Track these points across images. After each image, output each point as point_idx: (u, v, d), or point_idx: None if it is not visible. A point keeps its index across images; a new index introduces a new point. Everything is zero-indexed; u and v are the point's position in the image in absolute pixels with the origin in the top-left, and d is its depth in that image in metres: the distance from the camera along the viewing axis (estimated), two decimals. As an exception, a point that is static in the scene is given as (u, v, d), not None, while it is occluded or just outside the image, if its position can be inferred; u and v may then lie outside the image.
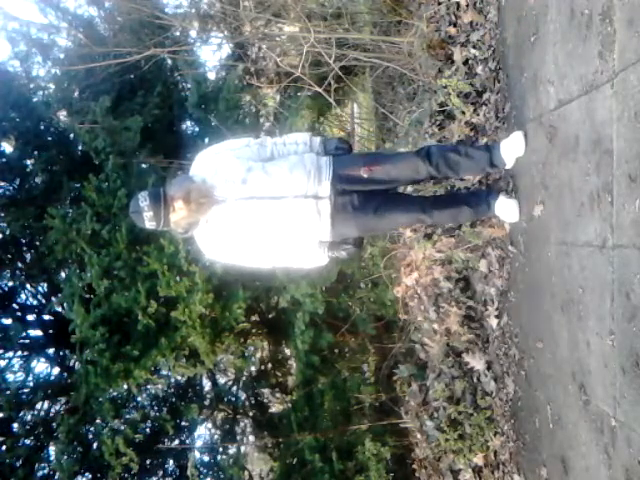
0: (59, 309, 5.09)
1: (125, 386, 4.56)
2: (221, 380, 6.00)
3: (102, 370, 4.28)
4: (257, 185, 2.56)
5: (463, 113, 3.40)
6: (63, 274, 5.10)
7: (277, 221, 2.59)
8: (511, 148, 2.70)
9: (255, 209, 2.57)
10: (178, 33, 5.80)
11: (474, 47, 3.42)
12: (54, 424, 4.76)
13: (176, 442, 5.18)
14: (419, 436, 3.88)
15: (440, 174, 2.74)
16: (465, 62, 3.50)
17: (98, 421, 4.66)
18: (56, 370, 5.31)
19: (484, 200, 2.83)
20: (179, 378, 5.41)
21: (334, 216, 2.62)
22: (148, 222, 2.54)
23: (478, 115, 3.35)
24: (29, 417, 4.92)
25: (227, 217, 2.58)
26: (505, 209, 2.81)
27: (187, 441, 5.28)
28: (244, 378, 5.69)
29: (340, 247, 2.74)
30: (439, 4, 3.79)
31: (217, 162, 2.64)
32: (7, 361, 5.16)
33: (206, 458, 5.35)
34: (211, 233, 2.63)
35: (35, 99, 5.33)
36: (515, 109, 2.95)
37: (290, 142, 2.74)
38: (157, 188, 2.62)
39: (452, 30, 3.66)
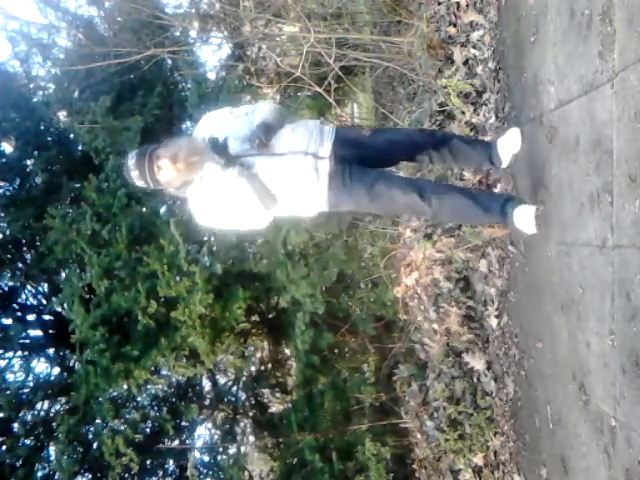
0: (59, 309, 5.09)
1: (125, 386, 4.57)
2: (221, 380, 6.01)
3: (102, 370, 4.28)
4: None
5: (463, 113, 3.40)
6: (63, 274, 5.10)
7: (275, 179, 2.54)
8: (507, 145, 2.67)
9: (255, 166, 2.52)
10: (178, 33, 5.80)
11: (474, 47, 3.42)
12: (54, 424, 4.77)
13: (176, 442, 5.19)
14: (419, 436, 3.88)
15: (439, 157, 2.69)
16: (465, 62, 3.50)
17: (98, 421, 4.67)
18: (56, 370, 5.32)
19: (499, 204, 2.57)
20: (179, 378, 5.41)
21: (332, 179, 2.54)
22: (137, 181, 2.53)
23: (478, 115, 3.35)
24: (29, 417, 4.93)
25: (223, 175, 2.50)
26: (524, 219, 2.51)
27: (187, 441, 5.29)
28: (244, 378, 5.69)
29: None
30: (439, 4, 3.78)
31: (223, 119, 2.65)
32: (7, 361, 5.17)
33: (206, 458, 5.36)
34: (205, 191, 2.55)
35: (35, 99, 5.34)
36: (515, 109, 2.95)
37: None
38: (147, 146, 2.59)
39: (452, 30, 3.66)
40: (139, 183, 2.55)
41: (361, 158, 2.62)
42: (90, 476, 4.84)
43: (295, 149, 2.52)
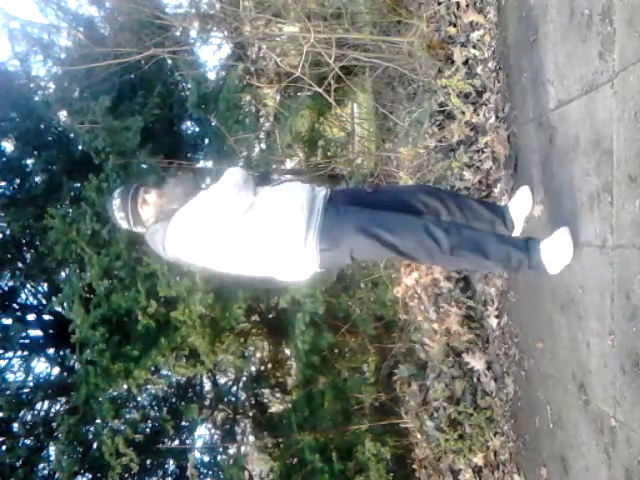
0: (59, 309, 5.09)
1: (125, 386, 4.56)
2: (221, 380, 6.00)
3: (102, 370, 4.28)
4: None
5: (463, 113, 3.40)
6: (63, 274, 5.10)
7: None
8: (518, 207, 2.62)
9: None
10: (178, 33, 5.80)
11: (474, 47, 3.43)
12: (54, 424, 4.76)
13: (176, 442, 5.18)
14: (419, 436, 3.87)
15: (448, 212, 2.54)
16: (465, 62, 3.50)
17: (98, 421, 4.66)
18: (56, 370, 5.31)
19: (524, 244, 2.33)
20: (179, 378, 5.41)
21: (325, 215, 2.37)
22: (117, 212, 2.55)
23: (478, 115, 3.35)
24: (29, 417, 4.93)
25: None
26: (556, 252, 2.25)
27: (187, 441, 5.28)
28: (244, 378, 5.69)
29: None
30: (439, 4, 3.78)
31: None
32: (7, 361, 5.16)
33: (206, 458, 5.35)
34: (189, 218, 2.41)
35: (35, 99, 5.33)
36: (515, 109, 2.95)
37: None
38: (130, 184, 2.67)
39: (452, 30, 3.66)
40: (118, 214, 2.56)
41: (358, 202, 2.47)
42: (90, 476, 4.84)
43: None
